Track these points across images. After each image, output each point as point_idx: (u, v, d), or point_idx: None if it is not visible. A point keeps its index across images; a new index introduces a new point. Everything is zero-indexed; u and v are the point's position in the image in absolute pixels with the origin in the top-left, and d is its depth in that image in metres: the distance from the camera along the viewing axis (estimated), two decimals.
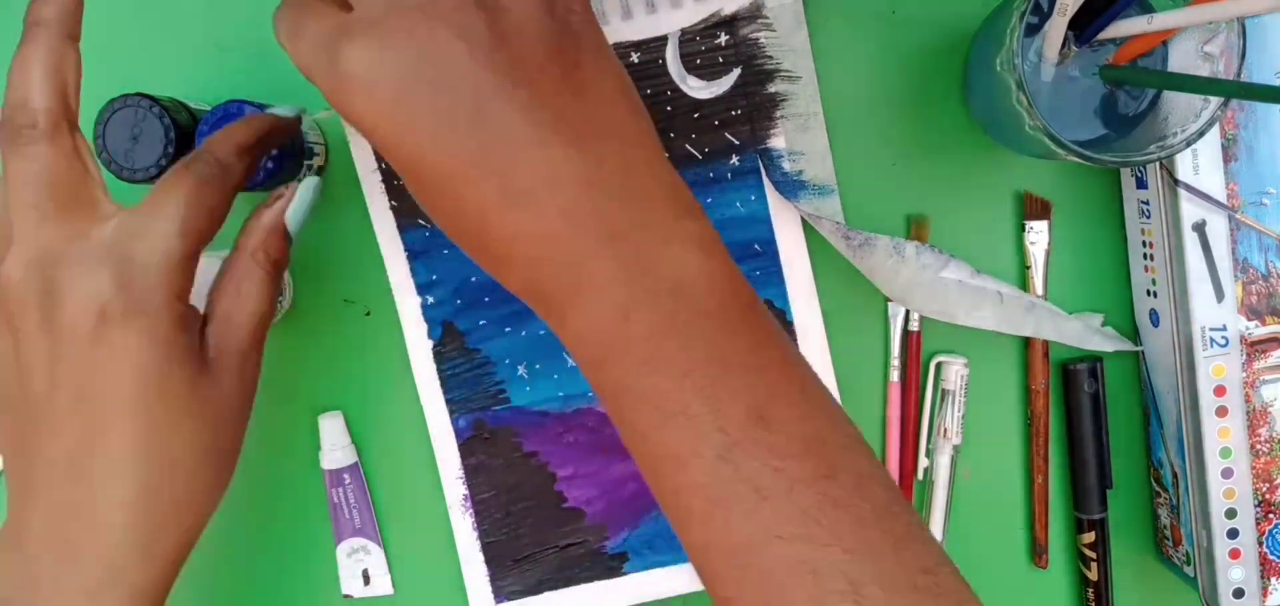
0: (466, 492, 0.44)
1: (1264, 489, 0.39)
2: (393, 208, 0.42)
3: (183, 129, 0.39)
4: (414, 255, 0.43)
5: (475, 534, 0.44)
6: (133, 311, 0.31)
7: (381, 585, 0.46)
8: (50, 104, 0.32)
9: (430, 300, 0.43)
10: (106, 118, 0.38)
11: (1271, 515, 0.39)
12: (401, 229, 0.42)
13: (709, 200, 0.42)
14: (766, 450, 0.27)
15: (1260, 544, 0.39)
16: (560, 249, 0.29)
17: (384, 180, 0.42)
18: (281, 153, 0.39)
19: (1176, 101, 0.35)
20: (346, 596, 0.46)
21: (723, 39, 0.41)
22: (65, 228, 0.32)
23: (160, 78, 0.43)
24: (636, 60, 0.41)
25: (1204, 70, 0.35)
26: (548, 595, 0.44)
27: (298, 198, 0.36)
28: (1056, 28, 0.35)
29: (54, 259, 0.31)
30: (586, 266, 0.28)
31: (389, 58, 0.28)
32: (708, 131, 0.42)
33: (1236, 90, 0.32)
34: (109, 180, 0.42)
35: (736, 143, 0.42)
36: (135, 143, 0.38)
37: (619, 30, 0.41)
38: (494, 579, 0.44)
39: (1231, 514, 0.38)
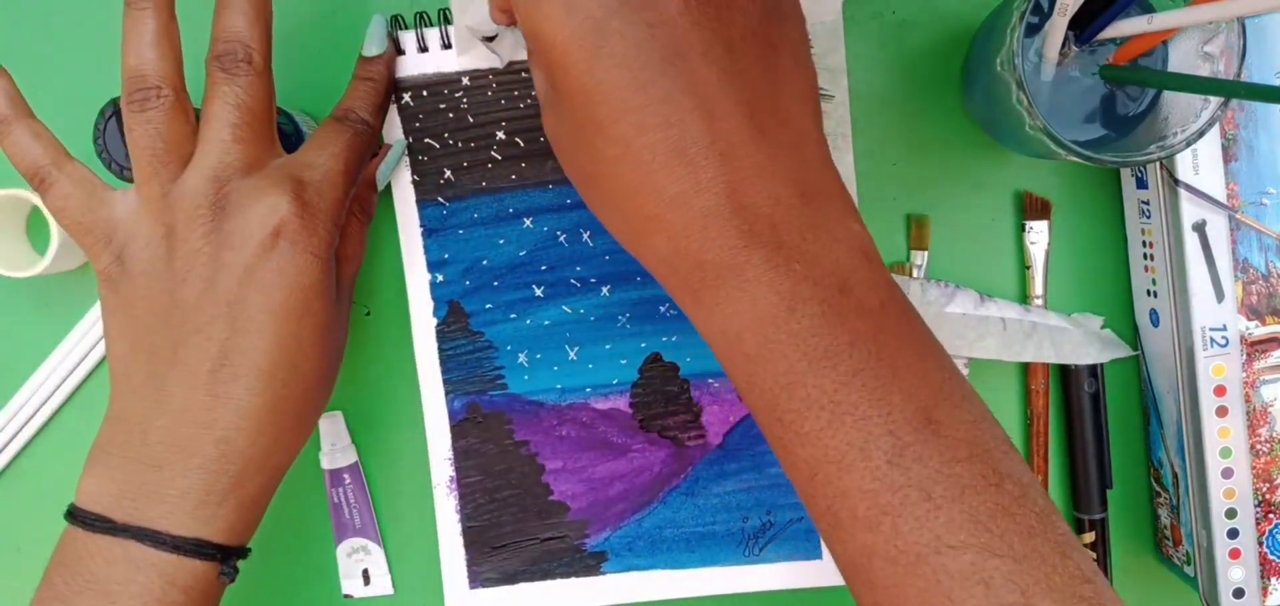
0: (453, 474, 0.44)
1: (1264, 489, 0.39)
2: (414, 181, 0.42)
3: None
4: (428, 232, 0.43)
5: (458, 516, 0.44)
6: (306, 231, 0.34)
7: (381, 585, 0.46)
8: (263, 43, 0.35)
9: (439, 278, 0.43)
10: (107, 117, 0.38)
11: (1271, 515, 0.39)
12: (420, 204, 0.43)
13: None
14: (936, 455, 0.26)
15: (1260, 544, 0.39)
16: (722, 225, 0.27)
17: (409, 155, 0.42)
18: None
19: (1176, 101, 0.35)
20: (347, 596, 0.46)
21: None
22: (248, 153, 0.34)
23: None
24: None
25: (1204, 70, 0.35)
26: (523, 586, 0.44)
27: (388, 158, 0.41)
28: (1056, 28, 0.35)
29: (231, 176, 0.34)
30: (749, 251, 0.27)
31: None
32: None
33: (1236, 90, 0.32)
34: (109, 180, 0.42)
35: None
36: None
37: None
38: (471, 563, 0.44)
39: (1231, 514, 0.38)
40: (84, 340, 0.45)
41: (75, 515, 0.34)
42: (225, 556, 0.34)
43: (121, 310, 0.34)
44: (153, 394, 0.34)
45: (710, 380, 0.43)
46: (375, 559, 0.45)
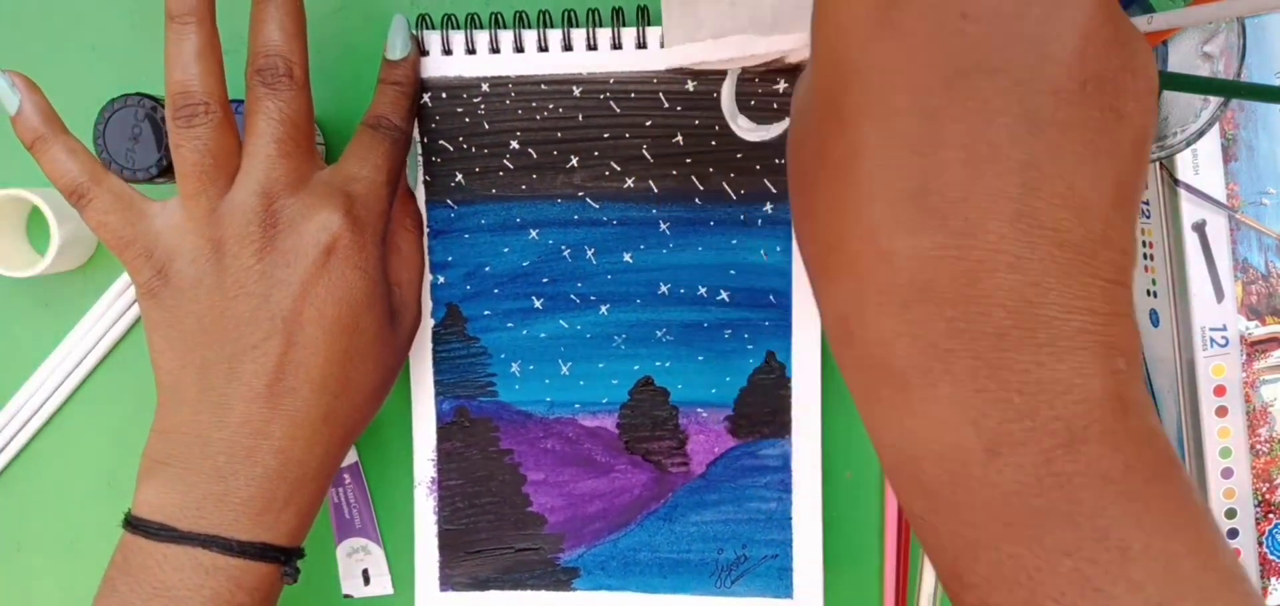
0: (435, 475, 0.44)
1: (1264, 489, 0.39)
2: (425, 181, 0.42)
3: None
4: (434, 233, 0.43)
5: (435, 518, 0.44)
6: (356, 247, 0.35)
7: (381, 585, 0.46)
8: (302, 56, 0.35)
9: (441, 280, 0.43)
10: (106, 118, 0.38)
11: (1271, 515, 0.39)
12: (428, 205, 0.43)
13: (734, 242, 0.42)
14: None
15: (1260, 544, 0.39)
16: (928, 309, 0.21)
17: (422, 155, 0.42)
18: None
19: (1176, 101, 0.35)
20: (347, 596, 0.46)
21: (782, 86, 0.41)
22: (295, 168, 0.35)
23: (160, 78, 0.43)
24: (692, 88, 0.41)
25: (1204, 70, 0.35)
26: (493, 594, 0.44)
27: (409, 163, 0.41)
28: None
29: (279, 191, 0.34)
30: (951, 357, 0.21)
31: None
32: (748, 174, 0.41)
33: (1236, 90, 0.32)
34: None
35: (774, 191, 0.41)
36: (135, 143, 0.38)
37: (681, 54, 0.40)
38: (443, 565, 0.44)
39: (1231, 514, 0.38)
40: (84, 340, 0.45)
41: (137, 525, 0.34)
42: (287, 558, 0.36)
43: (167, 324, 0.34)
44: (210, 408, 0.34)
45: (699, 409, 0.43)
46: (375, 559, 0.45)
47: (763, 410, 0.43)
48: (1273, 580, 0.39)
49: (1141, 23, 0.34)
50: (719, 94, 0.41)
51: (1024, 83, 0.21)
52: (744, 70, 0.41)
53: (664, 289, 0.42)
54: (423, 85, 0.41)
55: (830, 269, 0.23)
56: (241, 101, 0.40)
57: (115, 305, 0.44)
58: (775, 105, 0.41)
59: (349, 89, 0.43)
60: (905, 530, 0.44)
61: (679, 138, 0.41)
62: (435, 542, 0.44)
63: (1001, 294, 0.21)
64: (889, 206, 0.21)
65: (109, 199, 0.34)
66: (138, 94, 0.38)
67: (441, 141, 0.42)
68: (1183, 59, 0.36)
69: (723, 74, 0.41)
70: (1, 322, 0.45)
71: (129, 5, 0.44)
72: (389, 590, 0.46)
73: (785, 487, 0.43)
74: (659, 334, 0.43)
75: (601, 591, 0.44)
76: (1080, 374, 0.21)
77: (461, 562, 0.44)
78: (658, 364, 0.43)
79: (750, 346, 0.42)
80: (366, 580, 0.45)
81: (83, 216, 0.34)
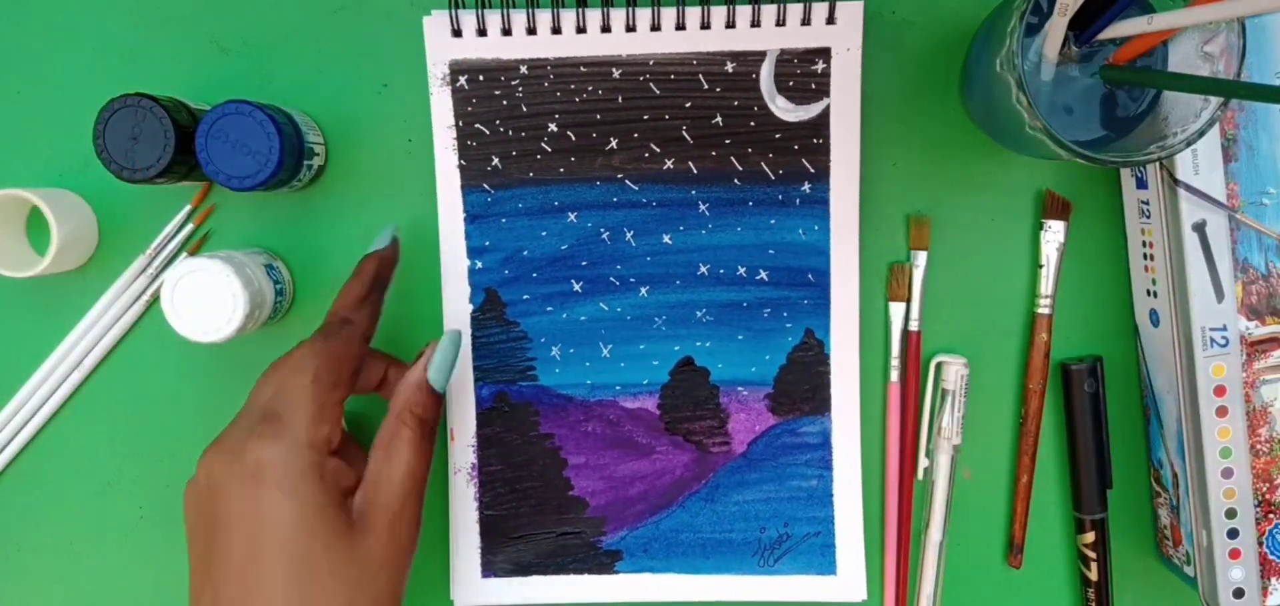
0: (475, 461, 0.44)
1: (1264, 489, 0.39)
2: (460, 166, 0.42)
3: (183, 129, 0.39)
4: (471, 217, 0.43)
5: (476, 504, 0.44)
6: (281, 471, 0.34)
7: None
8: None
9: (479, 265, 0.43)
10: (106, 118, 0.38)
11: (1271, 515, 0.39)
12: (464, 190, 0.43)
13: (773, 222, 0.42)
14: None
15: (1260, 544, 0.39)
16: None
17: (457, 139, 0.42)
18: (282, 150, 0.39)
19: (1176, 101, 0.35)
20: None
21: (820, 67, 0.41)
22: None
23: (160, 78, 0.43)
24: (732, 70, 0.41)
25: (1204, 70, 0.35)
26: (535, 578, 0.44)
27: (438, 354, 0.38)
28: (1056, 28, 0.35)
29: (229, 434, 0.35)
30: None
31: None
32: (786, 154, 0.42)
33: (1236, 90, 0.32)
34: (108, 180, 0.42)
35: (812, 171, 0.42)
36: (135, 143, 0.38)
37: (719, 39, 0.41)
38: (485, 552, 0.44)
39: (1231, 514, 0.38)
40: (84, 340, 0.45)
41: None
42: None
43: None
44: None
45: (739, 388, 0.43)
46: None
47: (802, 388, 0.43)
48: (1273, 580, 0.39)
49: (1142, 23, 0.34)
50: (758, 75, 0.41)
51: None
52: (783, 51, 0.41)
53: (703, 269, 0.43)
54: (457, 68, 0.41)
55: None
56: (236, 102, 0.40)
57: (115, 305, 0.44)
58: (814, 86, 0.41)
59: (348, 89, 0.43)
60: (906, 529, 0.44)
61: (718, 118, 0.42)
62: (476, 529, 0.44)
63: None
64: None
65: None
66: (137, 94, 0.38)
67: (477, 125, 0.42)
68: (1183, 59, 0.36)
69: (762, 55, 0.41)
70: (1, 322, 0.45)
71: (129, 5, 0.44)
72: None
73: (826, 464, 0.43)
74: (699, 314, 0.43)
75: (644, 573, 0.44)
76: None
77: (502, 548, 0.44)
78: (698, 344, 0.43)
79: (789, 325, 0.43)
80: None
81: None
